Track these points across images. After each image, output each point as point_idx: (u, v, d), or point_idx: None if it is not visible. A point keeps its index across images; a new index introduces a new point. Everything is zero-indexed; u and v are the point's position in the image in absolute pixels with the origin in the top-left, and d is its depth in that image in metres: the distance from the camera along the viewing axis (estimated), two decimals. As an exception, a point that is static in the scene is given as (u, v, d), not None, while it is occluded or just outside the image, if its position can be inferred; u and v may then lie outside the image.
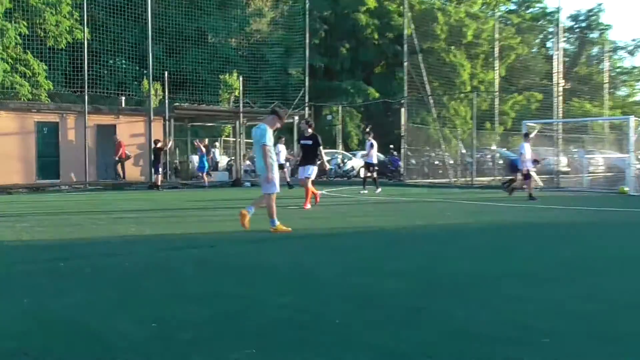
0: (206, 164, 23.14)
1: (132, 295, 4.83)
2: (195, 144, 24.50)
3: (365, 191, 17.98)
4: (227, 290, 4.93)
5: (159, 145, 21.49)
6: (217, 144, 30.07)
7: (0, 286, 5.26)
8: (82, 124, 22.68)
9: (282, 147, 20.15)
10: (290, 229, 8.58)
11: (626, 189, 17.95)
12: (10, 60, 23.57)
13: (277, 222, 8.41)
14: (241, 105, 25.90)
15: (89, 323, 3.97)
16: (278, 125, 8.74)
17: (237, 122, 26.42)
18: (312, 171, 12.35)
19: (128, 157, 23.58)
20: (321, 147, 12.53)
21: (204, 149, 23.33)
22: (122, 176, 23.24)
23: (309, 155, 12.36)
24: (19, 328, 3.88)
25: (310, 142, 12.38)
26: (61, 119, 22.75)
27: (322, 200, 13.64)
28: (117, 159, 23.20)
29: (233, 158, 28.14)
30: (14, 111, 21.86)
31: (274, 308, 4.31)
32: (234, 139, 28.18)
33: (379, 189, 17.80)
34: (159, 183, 21.52)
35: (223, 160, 29.52)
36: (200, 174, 23.11)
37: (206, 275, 5.65)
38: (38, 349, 3.44)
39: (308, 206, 12.08)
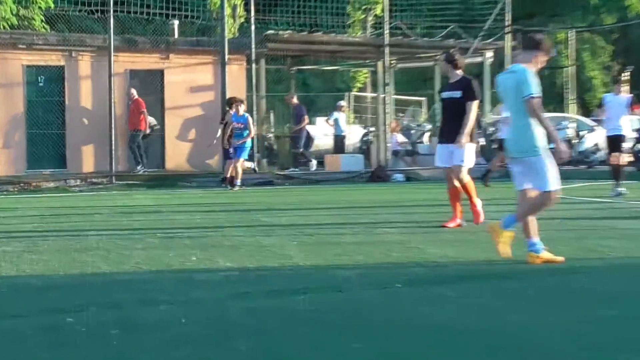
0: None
1: None
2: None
3: (623, 189, 17.82)
4: None
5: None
6: (342, 103, 30.16)
7: None
8: (104, 69, 23.55)
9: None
10: (562, 258, 8.92)
11: None
12: None
13: (542, 247, 8.66)
14: (386, 32, 26.08)
15: None
16: (541, 63, 9.12)
17: (379, 64, 26.90)
18: (467, 155, 12.20)
19: (153, 129, 24.36)
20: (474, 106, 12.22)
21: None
22: (140, 162, 24.09)
23: (457, 121, 12.18)
24: None
25: (458, 93, 12.24)
26: (68, 62, 23.77)
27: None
28: (134, 131, 23.94)
29: (372, 130, 29.05)
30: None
31: None
32: (373, 95, 29.12)
33: None
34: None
35: (354, 135, 29.99)
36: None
37: (323, 344, 5.64)
38: None
39: (453, 224, 12.12)
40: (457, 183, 12.22)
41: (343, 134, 29.26)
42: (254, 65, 25.26)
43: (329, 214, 15.60)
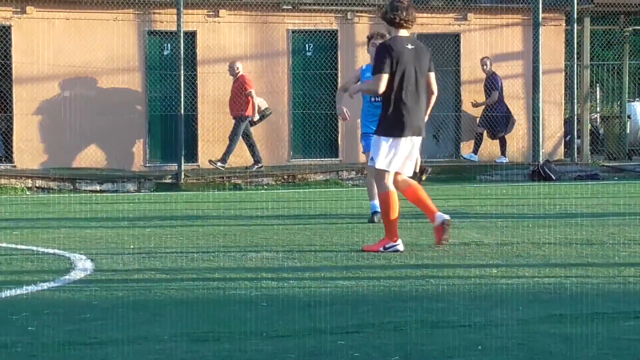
0: None
1: None
2: None
3: None
4: None
5: None
6: None
7: None
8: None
9: None
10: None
11: None
12: None
13: None
14: None
15: None
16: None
17: None
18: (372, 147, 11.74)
19: (265, 114, 22.89)
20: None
21: None
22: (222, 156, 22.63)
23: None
24: None
25: None
26: (343, 25, 23.17)
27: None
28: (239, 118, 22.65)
29: None
30: (245, 9, 23.05)
31: None
32: None
33: None
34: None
35: None
36: None
37: None
38: None
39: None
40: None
41: None
42: (575, 26, 23.43)
43: None
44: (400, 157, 10.54)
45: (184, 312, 7.09)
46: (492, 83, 24.07)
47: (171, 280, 8.88)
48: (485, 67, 23.88)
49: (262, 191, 21.19)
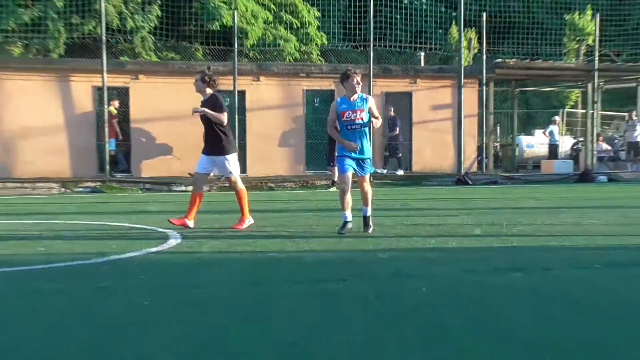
0: None
1: (434, 334, 4.96)
2: None
3: None
4: (578, 338, 4.88)
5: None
6: (556, 118, 29.90)
7: (258, 310, 5.75)
8: (364, 90, 23.08)
9: None
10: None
11: None
12: (272, 6, 25.99)
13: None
14: (596, 58, 25.65)
15: None
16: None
17: (589, 85, 26.31)
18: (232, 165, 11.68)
19: None
20: None
21: None
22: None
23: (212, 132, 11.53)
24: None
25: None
26: (338, 86, 23.77)
27: None
28: None
29: (581, 140, 28.48)
30: (276, 76, 24.01)
31: None
32: (583, 111, 29.04)
33: None
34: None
35: (565, 143, 29.41)
36: None
37: (541, 313, 5.57)
38: None
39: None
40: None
41: (557, 143, 28.52)
42: (484, 88, 24.99)
43: (540, 207, 15.01)
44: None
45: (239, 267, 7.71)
46: (393, 123, 24.64)
47: (233, 251, 8.98)
48: (389, 112, 24.16)
49: (287, 191, 21.67)
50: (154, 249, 9.16)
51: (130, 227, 11.88)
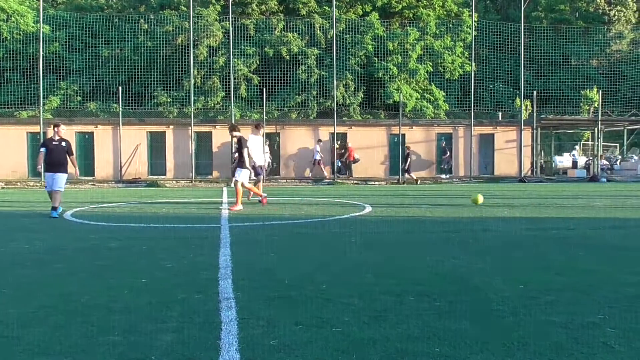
0: None
1: (504, 262, 5.05)
2: None
3: None
4: (584, 266, 4.84)
5: None
6: (576, 147, 31.28)
7: (412, 249, 5.86)
8: (469, 133, 26.74)
9: None
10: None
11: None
12: (419, 90, 29.12)
13: None
14: (600, 114, 26.43)
15: (470, 278, 4.32)
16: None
17: (596, 129, 27.16)
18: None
19: (356, 161, 24.60)
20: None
21: None
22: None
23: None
24: (423, 277, 4.43)
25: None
26: (454, 131, 26.78)
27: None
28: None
29: (591, 158, 28.53)
30: (422, 126, 26.47)
31: (623, 285, 4.15)
32: (592, 142, 29.14)
33: None
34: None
35: (581, 160, 30.13)
36: None
37: (565, 252, 5.54)
38: (436, 293, 3.94)
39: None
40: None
41: (576, 160, 29.13)
42: (534, 131, 26.10)
43: (569, 196, 13.69)
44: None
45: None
46: (444, 151, 24.57)
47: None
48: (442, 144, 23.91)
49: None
50: (359, 213, 9.41)
51: (348, 202, 11.96)
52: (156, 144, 24.68)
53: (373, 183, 23.30)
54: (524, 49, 26.67)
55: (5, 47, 25.69)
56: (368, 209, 10.23)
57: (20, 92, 25.34)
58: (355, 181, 23.21)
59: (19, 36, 25.78)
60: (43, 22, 24.06)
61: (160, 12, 28.36)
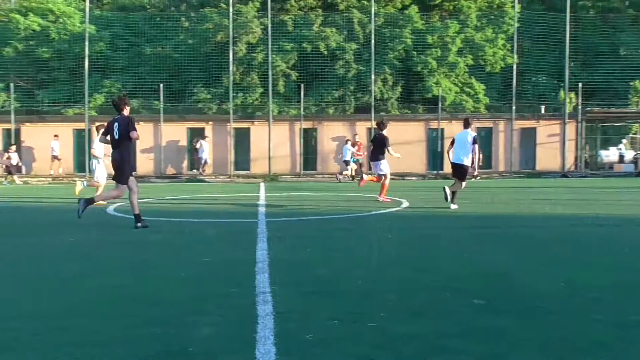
0: None
1: (545, 258, 5.04)
2: None
3: None
4: (627, 263, 4.89)
5: None
6: (624, 140, 30.75)
7: (449, 244, 6.00)
8: (509, 128, 26.28)
9: None
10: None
11: None
12: (459, 84, 28.72)
13: None
14: None
15: (511, 275, 4.34)
16: None
17: None
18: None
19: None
20: None
21: None
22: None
23: None
24: (461, 273, 4.45)
25: None
26: (494, 125, 26.12)
27: None
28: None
29: (639, 152, 28.16)
30: (461, 120, 22.92)
31: None
32: None
33: None
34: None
35: (629, 154, 29.59)
36: None
37: (610, 249, 5.58)
38: (474, 289, 3.90)
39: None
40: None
41: (624, 154, 28.61)
42: (579, 124, 25.49)
43: (612, 190, 13.91)
44: None
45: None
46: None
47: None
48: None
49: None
50: (396, 209, 9.63)
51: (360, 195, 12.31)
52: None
53: (410, 178, 23.32)
54: (570, 39, 25.98)
55: (53, 47, 26.73)
56: (405, 204, 10.48)
57: (67, 91, 26.32)
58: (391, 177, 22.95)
59: (66, 37, 26.73)
60: (89, 23, 25.13)
61: (201, 10, 28.71)
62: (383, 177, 11.30)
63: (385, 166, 11.48)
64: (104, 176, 11.40)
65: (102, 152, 11.16)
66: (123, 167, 7.47)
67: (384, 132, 11.61)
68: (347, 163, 22.10)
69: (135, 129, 7.37)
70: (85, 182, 11.88)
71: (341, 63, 27.11)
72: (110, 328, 3.28)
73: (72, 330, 3.26)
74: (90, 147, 15.38)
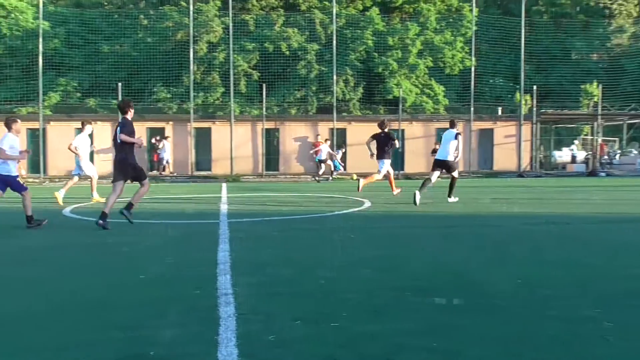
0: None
1: (501, 256, 5.18)
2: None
3: None
4: (579, 260, 4.96)
5: None
6: (576, 141, 31.15)
7: (411, 244, 6.01)
8: (468, 129, 26.56)
9: None
10: None
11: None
12: (419, 85, 29.05)
13: None
14: (599, 109, 26.42)
15: (468, 273, 4.41)
16: None
17: (595, 123, 27.62)
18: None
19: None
20: None
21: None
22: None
23: None
24: (422, 272, 4.56)
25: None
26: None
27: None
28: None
29: (590, 153, 28.55)
30: (421, 121, 26.20)
31: (620, 279, 4.22)
32: (591, 137, 28.77)
33: None
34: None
35: (580, 155, 30.24)
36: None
37: (562, 246, 5.69)
38: (434, 288, 4.00)
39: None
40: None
41: (576, 155, 28.88)
42: (534, 126, 26.04)
43: (567, 190, 14.04)
44: None
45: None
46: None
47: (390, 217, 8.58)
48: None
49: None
50: (358, 209, 9.63)
51: (346, 198, 11.98)
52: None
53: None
54: (525, 43, 26.58)
55: (5, 43, 25.92)
56: (367, 204, 10.50)
57: (20, 89, 25.47)
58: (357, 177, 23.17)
59: (19, 33, 25.90)
60: (43, 19, 24.16)
61: (160, 8, 28.30)
62: (377, 174, 11.79)
63: (387, 166, 11.78)
64: (93, 169, 11.33)
65: (85, 148, 11.15)
66: (125, 169, 7.58)
67: (386, 129, 11.93)
68: (322, 162, 22.25)
69: (125, 133, 7.46)
70: (62, 190, 11.28)
71: (303, 63, 27.13)
72: (68, 333, 3.22)
73: (28, 336, 3.19)
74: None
